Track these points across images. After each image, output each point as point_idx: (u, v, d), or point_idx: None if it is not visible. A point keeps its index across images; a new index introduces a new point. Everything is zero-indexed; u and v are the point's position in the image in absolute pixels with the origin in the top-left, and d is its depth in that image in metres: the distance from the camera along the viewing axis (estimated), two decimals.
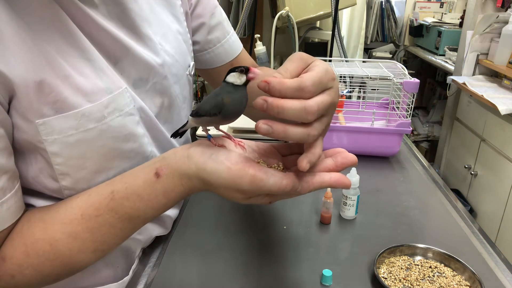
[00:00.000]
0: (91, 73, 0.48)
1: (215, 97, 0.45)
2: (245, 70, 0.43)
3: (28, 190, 0.51)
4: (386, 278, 0.59)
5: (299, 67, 0.41)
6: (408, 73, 1.04)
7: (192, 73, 0.68)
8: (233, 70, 0.44)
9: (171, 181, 0.46)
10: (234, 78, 0.44)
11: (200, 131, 1.16)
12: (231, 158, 0.43)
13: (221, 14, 0.73)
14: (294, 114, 0.38)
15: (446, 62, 2.72)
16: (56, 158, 0.47)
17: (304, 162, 0.40)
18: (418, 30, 3.16)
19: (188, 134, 0.73)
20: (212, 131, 0.50)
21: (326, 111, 0.41)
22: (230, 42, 0.74)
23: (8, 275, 0.47)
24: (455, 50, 2.64)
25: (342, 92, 1.14)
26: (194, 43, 0.71)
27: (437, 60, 2.83)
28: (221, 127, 0.49)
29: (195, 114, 0.47)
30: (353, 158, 0.45)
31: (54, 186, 0.50)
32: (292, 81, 0.38)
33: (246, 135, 1.13)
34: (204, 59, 0.74)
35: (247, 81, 0.44)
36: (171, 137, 0.55)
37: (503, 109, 1.81)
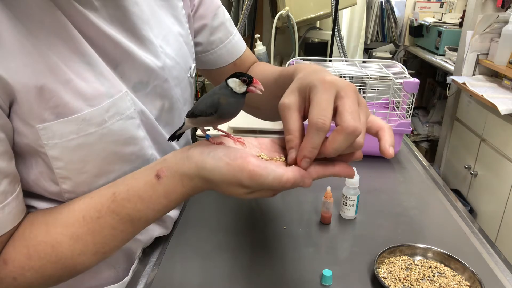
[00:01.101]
0: (92, 77, 0.48)
1: (211, 96, 0.45)
2: (247, 81, 0.43)
3: (29, 193, 0.51)
4: (386, 278, 0.59)
5: (293, 116, 0.43)
6: (408, 73, 1.04)
7: (194, 75, 0.68)
8: (237, 76, 0.44)
9: (172, 183, 0.46)
10: (235, 85, 0.44)
11: (200, 132, 1.16)
12: (230, 154, 0.43)
13: (224, 14, 0.72)
14: (346, 144, 0.40)
15: (446, 62, 2.72)
16: (57, 162, 0.47)
17: (390, 150, 0.43)
18: (418, 30, 3.16)
19: (188, 135, 0.73)
20: (211, 131, 0.51)
21: (358, 100, 0.42)
22: (233, 43, 0.73)
23: (10, 278, 0.47)
24: (455, 50, 2.64)
25: None
26: (197, 44, 0.71)
27: (437, 60, 2.83)
28: (220, 126, 0.50)
29: (190, 114, 0.47)
30: (359, 152, 0.45)
31: (54, 189, 0.50)
32: (308, 136, 0.41)
33: (246, 135, 1.13)
34: (207, 60, 0.73)
35: (247, 91, 0.44)
36: (168, 140, 0.55)
37: (503, 109, 1.81)
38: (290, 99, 0.44)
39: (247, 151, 0.45)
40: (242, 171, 0.41)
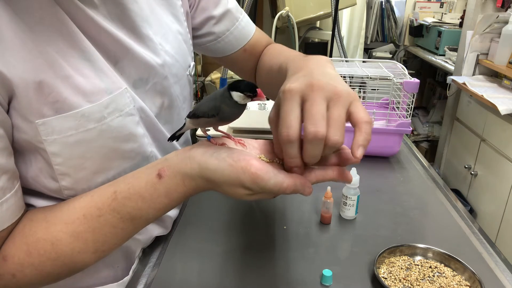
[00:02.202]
0: (91, 74, 0.48)
1: (213, 100, 0.45)
2: (252, 96, 0.43)
3: (28, 190, 0.51)
4: (386, 278, 0.59)
5: (276, 130, 0.43)
6: (408, 73, 1.04)
7: (193, 73, 0.68)
8: (241, 89, 0.43)
9: (174, 182, 0.46)
10: (239, 99, 0.44)
11: (200, 132, 1.16)
12: (233, 155, 0.43)
13: (227, 2, 0.72)
14: (316, 149, 0.40)
15: (446, 62, 2.72)
16: (56, 158, 0.47)
17: (356, 152, 0.41)
18: (418, 30, 3.15)
19: (188, 134, 0.73)
20: (211, 131, 0.51)
21: (331, 105, 0.41)
22: (240, 28, 0.73)
23: (9, 274, 0.47)
24: (455, 50, 2.64)
25: None
26: (205, 35, 0.71)
27: (437, 60, 2.83)
28: (220, 127, 0.50)
29: (192, 115, 0.47)
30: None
31: (53, 186, 0.50)
32: (284, 149, 0.41)
33: (246, 135, 1.13)
34: (216, 49, 0.73)
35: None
36: (168, 140, 0.55)
37: (503, 109, 1.80)
38: (271, 113, 0.45)
39: (249, 153, 0.45)
40: (244, 173, 0.42)
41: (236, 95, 0.43)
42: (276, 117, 0.44)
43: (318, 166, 0.44)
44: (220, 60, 0.77)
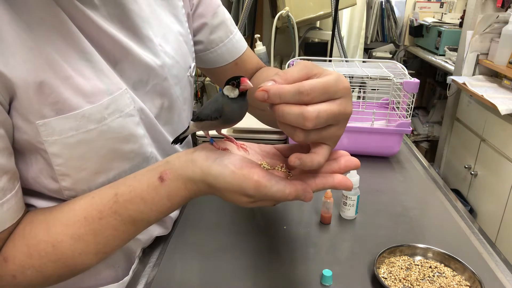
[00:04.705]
0: (91, 75, 0.48)
1: (215, 102, 0.45)
2: (236, 84, 0.43)
3: (28, 191, 0.51)
4: (386, 278, 0.59)
5: (300, 73, 0.41)
6: (408, 73, 1.04)
7: (193, 74, 0.68)
8: (227, 82, 0.44)
9: (175, 185, 0.46)
10: (229, 92, 0.44)
11: (200, 132, 1.16)
12: (236, 162, 0.43)
13: (224, 13, 0.72)
14: (292, 118, 0.38)
15: (446, 62, 2.72)
16: (56, 159, 0.48)
17: (293, 157, 0.40)
18: (418, 30, 3.15)
19: (188, 135, 0.73)
20: (213, 133, 0.51)
21: (334, 121, 0.40)
22: (234, 42, 0.73)
23: (9, 276, 0.47)
24: (455, 50, 2.64)
25: None
26: (197, 43, 0.71)
27: (437, 60, 2.83)
28: (223, 130, 0.50)
29: (196, 119, 0.47)
30: (356, 161, 0.45)
31: (54, 186, 0.50)
32: (291, 85, 0.39)
33: (247, 135, 1.13)
34: (207, 59, 0.73)
35: (243, 91, 0.44)
36: (172, 143, 0.55)
37: (503, 109, 1.81)
38: None
39: (251, 160, 0.45)
40: (247, 181, 0.41)
41: (226, 90, 0.44)
42: None
43: (319, 174, 0.44)
44: (209, 72, 0.77)
